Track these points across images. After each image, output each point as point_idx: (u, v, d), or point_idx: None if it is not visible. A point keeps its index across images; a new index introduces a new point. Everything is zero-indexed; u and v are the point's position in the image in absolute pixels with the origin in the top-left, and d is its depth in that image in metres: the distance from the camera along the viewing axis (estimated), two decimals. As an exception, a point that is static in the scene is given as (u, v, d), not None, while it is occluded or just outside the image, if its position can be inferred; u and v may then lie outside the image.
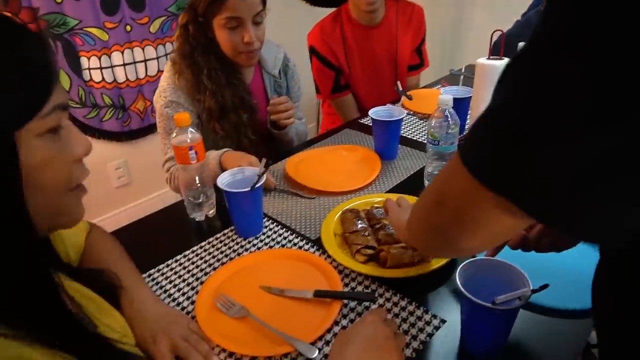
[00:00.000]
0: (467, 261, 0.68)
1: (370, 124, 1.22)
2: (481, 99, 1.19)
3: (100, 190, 2.19)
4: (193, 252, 0.94)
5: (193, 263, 0.90)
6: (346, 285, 0.82)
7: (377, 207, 0.99)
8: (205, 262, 0.91)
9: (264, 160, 0.96)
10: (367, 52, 1.72)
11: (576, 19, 0.31)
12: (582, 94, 0.30)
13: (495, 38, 1.16)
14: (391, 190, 1.11)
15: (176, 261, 0.91)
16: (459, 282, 0.65)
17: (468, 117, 1.37)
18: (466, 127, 1.37)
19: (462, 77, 1.32)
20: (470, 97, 1.28)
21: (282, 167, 1.24)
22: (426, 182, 1.10)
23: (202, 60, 1.21)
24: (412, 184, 1.13)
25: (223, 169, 1.08)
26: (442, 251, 0.61)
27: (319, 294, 0.78)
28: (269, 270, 0.87)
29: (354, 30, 1.70)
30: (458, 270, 0.67)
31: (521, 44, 0.39)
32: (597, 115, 0.30)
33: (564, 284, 0.76)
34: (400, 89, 1.25)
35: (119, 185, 2.30)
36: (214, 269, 0.88)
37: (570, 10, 0.32)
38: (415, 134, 1.40)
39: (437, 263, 0.82)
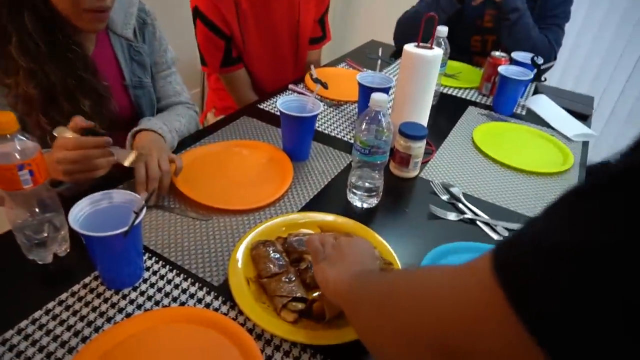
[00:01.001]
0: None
1: (272, 110, 0.98)
2: (406, 92, 1.03)
3: None
4: (33, 320, 0.63)
5: (32, 340, 0.60)
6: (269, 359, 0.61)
7: (296, 236, 0.78)
8: (54, 337, 0.61)
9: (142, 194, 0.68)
10: (264, 19, 1.45)
11: None
12: None
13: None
14: (308, 205, 0.90)
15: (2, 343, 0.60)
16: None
17: (388, 110, 1.21)
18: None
19: (379, 61, 1.15)
20: (390, 87, 1.12)
21: (165, 171, 0.95)
22: (349, 195, 0.92)
23: (9, 22, 0.81)
24: (332, 196, 0.94)
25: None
26: None
27: (234, 384, 0.55)
28: (154, 346, 0.61)
29: (249, -8, 1.40)
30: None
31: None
32: None
33: None
34: (315, 75, 1.03)
35: None
36: (70, 350, 0.60)
37: None
38: (326, 126, 1.20)
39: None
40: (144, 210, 0.64)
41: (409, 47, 0.99)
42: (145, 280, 0.71)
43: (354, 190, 0.91)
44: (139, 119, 1.03)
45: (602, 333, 0.24)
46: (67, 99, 0.88)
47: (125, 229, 0.59)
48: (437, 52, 0.99)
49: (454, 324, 0.32)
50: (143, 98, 1.06)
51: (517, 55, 1.42)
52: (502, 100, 1.35)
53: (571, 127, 1.29)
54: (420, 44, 1.00)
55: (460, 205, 0.93)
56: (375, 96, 0.82)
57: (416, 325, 0.36)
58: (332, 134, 1.16)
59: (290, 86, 1.38)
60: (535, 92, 1.50)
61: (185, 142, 1.07)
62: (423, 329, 0.34)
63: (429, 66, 0.99)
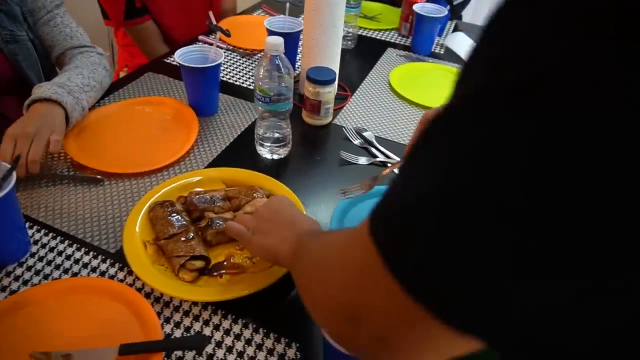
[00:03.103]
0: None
1: (179, 65, 0.92)
2: (312, 36, 0.98)
3: None
4: None
5: None
6: (169, 321, 0.59)
7: (199, 193, 0.75)
8: None
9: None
10: (166, -36, 1.33)
11: None
12: None
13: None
14: (215, 161, 0.87)
15: None
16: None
17: (298, 55, 1.17)
18: (297, 66, 1.17)
19: (287, 5, 1.09)
20: (301, 30, 1.07)
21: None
22: (258, 147, 0.89)
23: None
24: (241, 150, 0.90)
25: None
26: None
27: (126, 350, 0.53)
28: (45, 320, 0.58)
29: None
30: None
31: None
32: None
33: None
34: (214, 22, 0.96)
35: None
36: (-55, 336, 0.55)
37: None
38: (237, 77, 1.15)
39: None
40: (12, 181, 0.58)
41: (311, -13, 0.94)
42: (33, 255, 0.66)
43: (262, 142, 0.88)
44: (22, 79, 0.93)
45: (471, 278, 0.24)
46: None
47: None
48: (340, -7, 0.95)
49: (348, 290, 0.32)
50: (20, 54, 0.93)
51: (433, -8, 1.39)
52: (419, 40, 1.33)
53: (486, 63, 1.30)
54: (323, -17, 0.95)
55: (372, 149, 0.93)
56: (270, 39, 0.77)
57: (323, 296, 0.36)
58: (244, 85, 1.11)
59: (200, 37, 1.29)
60: (455, 29, 1.50)
61: (82, 104, 0.98)
62: (328, 299, 0.35)
63: (333, 7, 0.94)
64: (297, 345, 0.58)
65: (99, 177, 0.79)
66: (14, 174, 0.59)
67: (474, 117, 0.23)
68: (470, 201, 0.23)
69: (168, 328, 0.59)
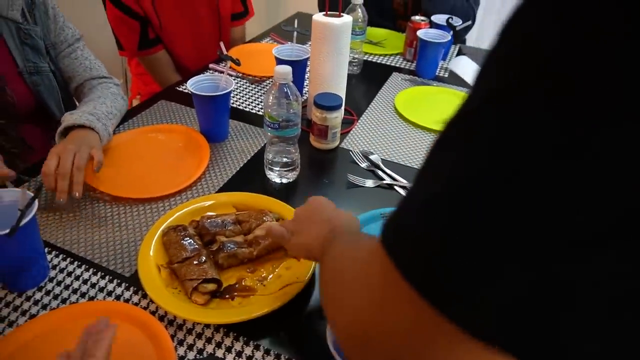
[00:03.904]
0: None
1: (191, 93, 0.95)
2: (319, 63, 1.02)
3: None
4: None
5: None
6: (182, 344, 0.61)
7: (210, 217, 0.77)
8: (-48, 348, 0.58)
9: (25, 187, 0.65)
10: (178, -3, 1.39)
11: None
12: None
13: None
14: (226, 186, 0.89)
15: None
16: (330, 341, 0.50)
17: (305, 82, 1.20)
18: (304, 92, 1.20)
19: (295, 33, 1.13)
20: (308, 58, 1.11)
21: (74, 165, 0.91)
22: (267, 172, 0.91)
23: None
24: (251, 175, 0.93)
25: None
26: None
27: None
28: (64, 343, 0.59)
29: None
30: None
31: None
32: None
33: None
34: (224, 51, 1.00)
35: None
36: (-32, 359, 0.57)
37: None
38: (246, 103, 1.18)
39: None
40: (34, 209, 0.61)
41: (317, 17, 0.98)
42: (51, 279, 0.69)
43: (271, 167, 0.90)
44: (43, 108, 0.98)
45: (492, 276, 0.23)
46: None
47: (7, 231, 0.56)
48: (346, 20, 0.98)
49: (363, 309, 0.30)
50: (42, 85, 0.99)
51: (436, 18, 1.43)
52: (423, 64, 1.37)
53: (490, 85, 1.33)
54: (329, 12, 0.99)
55: (379, 172, 0.95)
56: (279, 69, 0.81)
57: (337, 311, 0.35)
58: (254, 112, 1.15)
59: (211, 65, 1.34)
60: (459, 53, 1.53)
61: (98, 132, 1.02)
62: (342, 315, 0.33)
63: (339, 35, 0.98)
64: (308, 366, 0.59)
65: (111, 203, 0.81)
66: (36, 202, 0.62)
67: (495, 114, 0.23)
68: (496, 194, 0.22)
69: (181, 350, 0.60)
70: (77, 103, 1.07)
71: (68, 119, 0.87)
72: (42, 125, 1.03)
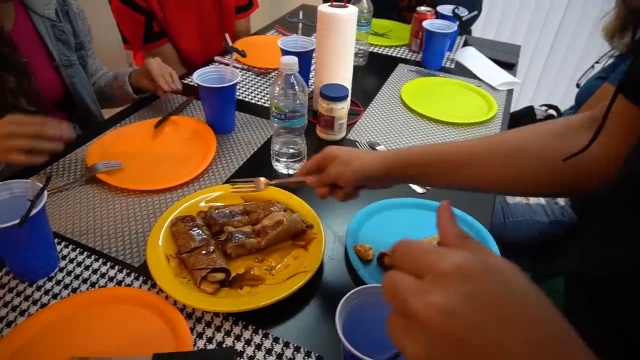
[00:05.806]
0: (352, 291, 0.54)
1: (197, 85, 0.95)
2: (325, 54, 1.02)
3: None
4: (-59, 323, 0.61)
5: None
6: (192, 332, 0.61)
7: (218, 208, 0.77)
8: (-35, 337, 0.59)
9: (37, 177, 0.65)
10: (182, -10, 1.39)
11: None
12: None
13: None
14: (233, 177, 0.89)
15: None
16: (339, 328, 0.50)
17: (311, 73, 1.20)
18: (310, 83, 1.20)
19: (300, 25, 1.13)
20: (313, 49, 1.10)
21: (83, 156, 0.92)
22: (274, 163, 0.91)
23: None
24: (258, 166, 0.93)
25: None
26: None
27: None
28: (80, 329, 0.60)
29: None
30: (340, 304, 0.52)
31: None
32: None
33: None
34: (230, 43, 1.00)
35: None
36: (-19, 348, 0.58)
37: None
38: (252, 95, 1.18)
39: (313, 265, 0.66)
40: (44, 199, 0.61)
41: (323, 7, 0.98)
42: (61, 269, 0.69)
43: (278, 158, 0.90)
44: (71, 98, 1.07)
45: None
46: None
47: (17, 221, 0.57)
48: (351, 10, 0.98)
49: None
50: (76, 77, 1.06)
51: (441, 8, 1.42)
52: (429, 55, 1.36)
53: (496, 76, 1.32)
54: (334, 2, 0.99)
55: (386, 162, 0.95)
56: (284, 59, 0.80)
57: None
58: (260, 103, 1.14)
59: (217, 58, 1.34)
60: (466, 44, 1.52)
61: (105, 125, 1.03)
62: None
63: (344, 25, 0.98)
64: (317, 355, 0.59)
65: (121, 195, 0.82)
66: (45, 193, 0.62)
67: None
68: None
69: (200, 340, 0.61)
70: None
71: (128, 70, 1.11)
72: (67, 112, 1.11)
